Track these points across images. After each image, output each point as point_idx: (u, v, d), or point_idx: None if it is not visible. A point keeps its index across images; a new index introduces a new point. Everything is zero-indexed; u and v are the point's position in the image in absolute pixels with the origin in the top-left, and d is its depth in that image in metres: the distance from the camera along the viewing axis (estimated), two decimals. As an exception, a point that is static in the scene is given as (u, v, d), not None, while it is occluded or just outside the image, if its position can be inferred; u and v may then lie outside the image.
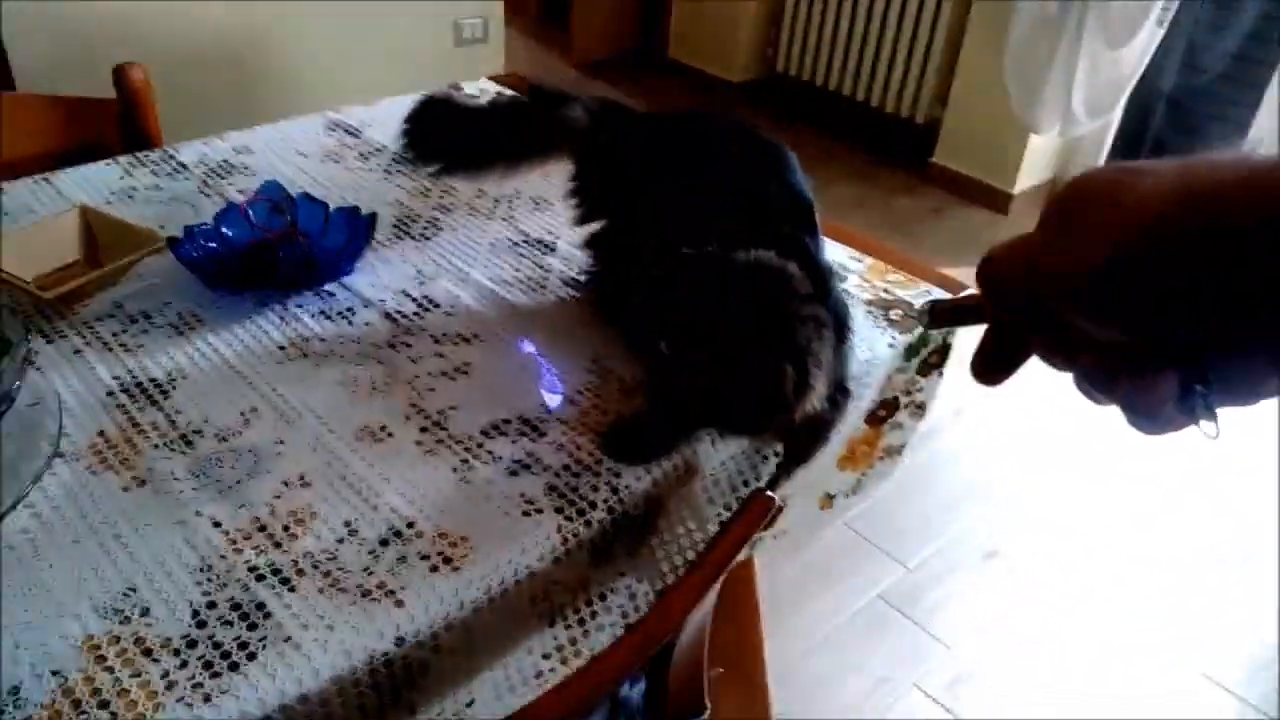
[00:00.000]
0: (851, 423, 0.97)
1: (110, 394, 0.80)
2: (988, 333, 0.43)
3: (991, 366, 0.43)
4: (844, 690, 1.61)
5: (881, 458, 1.06)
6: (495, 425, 0.79)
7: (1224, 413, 0.35)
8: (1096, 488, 2.07)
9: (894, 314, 0.97)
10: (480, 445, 0.77)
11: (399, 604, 0.63)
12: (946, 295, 0.57)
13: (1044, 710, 1.60)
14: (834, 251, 1.04)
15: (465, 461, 0.75)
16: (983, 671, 1.66)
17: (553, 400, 0.81)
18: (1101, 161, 3.09)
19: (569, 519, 0.71)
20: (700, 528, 0.79)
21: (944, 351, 1.00)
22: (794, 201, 0.85)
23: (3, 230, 1.02)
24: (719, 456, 0.79)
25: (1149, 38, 2.67)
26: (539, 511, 0.71)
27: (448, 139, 1.02)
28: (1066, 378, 0.40)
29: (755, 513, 0.69)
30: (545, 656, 0.73)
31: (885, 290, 1.00)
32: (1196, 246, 0.32)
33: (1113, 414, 0.38)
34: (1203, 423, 0.36)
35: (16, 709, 0.55)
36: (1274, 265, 0.30)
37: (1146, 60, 2.72)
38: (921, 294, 1.00)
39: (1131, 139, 3.08)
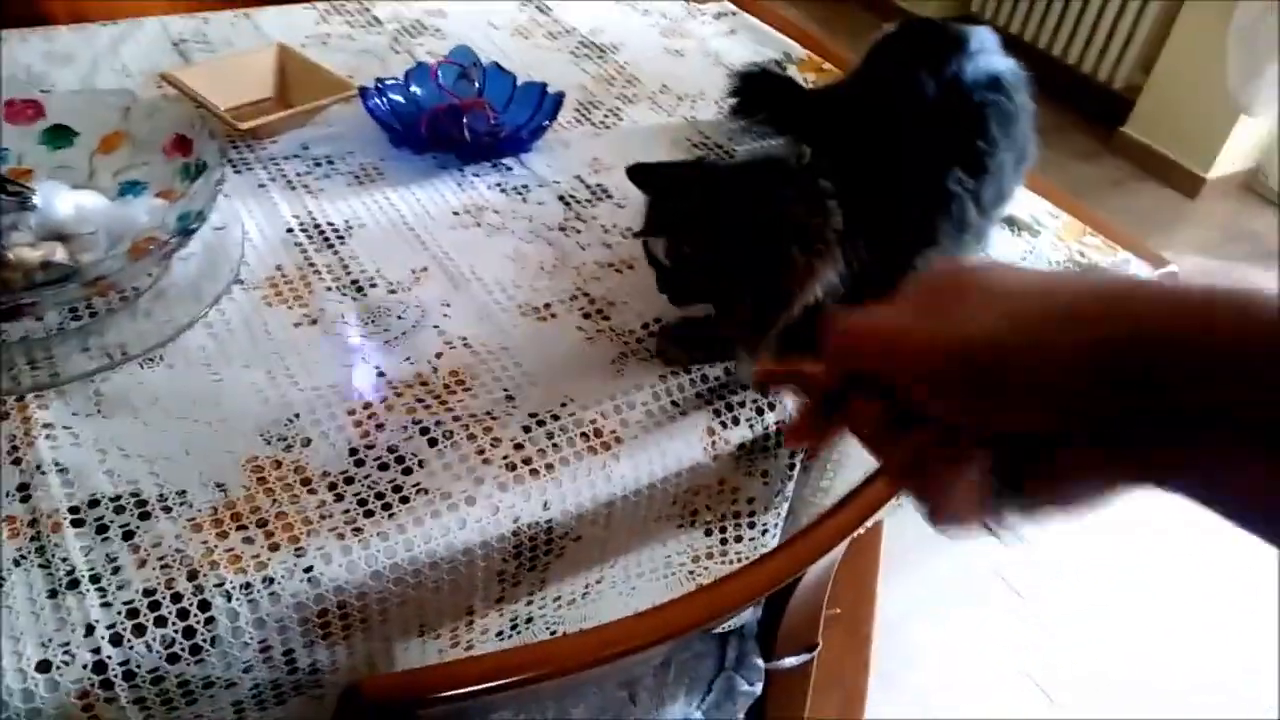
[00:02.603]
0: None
1: (290, 231, 0.81)
2: (810, 402, 0.45)
3: (808, 434, 0.46)
4: (941, 658, 1.58)
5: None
6: (654, 325, 0.77)
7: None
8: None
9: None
10: (639, 341, 0.75)
11: (547, 476, 0.63)
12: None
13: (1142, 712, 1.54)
14: (1032, 204, 0.97)
15: (623, 354, 0.74)
16: (1085, 663, 1.60)
17: None
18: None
19: (715, 429, 0.69)
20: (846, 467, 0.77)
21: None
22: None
23: (202, 60, 1.05)
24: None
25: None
26: (684, 415, 0.69)
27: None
28: None
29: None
30: (680, 554, 0.73)
31: (1080, 253, 0.93)
32: (1050, 345, 0.34)
33: None
34: (1004, 527, 0.39)
35: (184, 506, 0.58)
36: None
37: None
38: (1121, 262, 0.92)
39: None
